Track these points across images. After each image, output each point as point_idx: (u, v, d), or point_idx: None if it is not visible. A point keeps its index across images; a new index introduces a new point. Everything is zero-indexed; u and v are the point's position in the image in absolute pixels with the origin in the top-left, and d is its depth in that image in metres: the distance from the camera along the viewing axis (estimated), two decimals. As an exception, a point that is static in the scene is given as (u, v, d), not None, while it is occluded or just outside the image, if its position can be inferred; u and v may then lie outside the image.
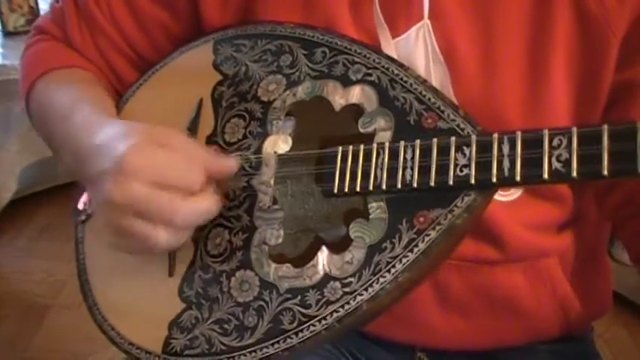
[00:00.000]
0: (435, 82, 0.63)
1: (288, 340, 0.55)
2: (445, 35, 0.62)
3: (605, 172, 0.46)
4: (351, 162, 0.57)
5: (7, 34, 1.99)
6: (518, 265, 0.70)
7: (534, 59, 0.61)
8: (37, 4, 2.06)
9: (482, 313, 0.72)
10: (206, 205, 0.56)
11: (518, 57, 0.61)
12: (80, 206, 0.73)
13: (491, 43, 0.61)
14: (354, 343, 0.79)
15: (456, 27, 0.62)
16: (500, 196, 0.66)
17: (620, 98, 0.63)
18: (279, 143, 0.62)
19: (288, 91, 0.64)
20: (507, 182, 0.50)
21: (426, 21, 0.62)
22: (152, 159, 0.54)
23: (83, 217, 0.72)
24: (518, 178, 0.49)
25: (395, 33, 0.64)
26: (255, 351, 0.56)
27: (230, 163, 0.60)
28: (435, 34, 0.62)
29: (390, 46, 0.64)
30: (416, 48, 0.63)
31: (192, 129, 0.68)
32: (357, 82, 0.60)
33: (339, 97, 0.61)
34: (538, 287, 0.71)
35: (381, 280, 0.53)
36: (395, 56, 0.63)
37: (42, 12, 2.01)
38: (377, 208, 0.55)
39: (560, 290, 0.72)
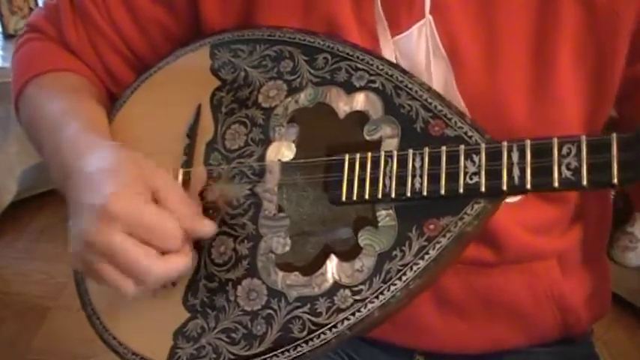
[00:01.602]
0: (438, 79, 0.63)
1: (299, 349, 0.55)
2: (448, 31, 0.62)
3: (615, 180, 0.47)
4: (359, 170, 0.57)
5: (8, 36, 1.98)
6: (517, 267, 0.70)
7: (540, 52, 0.61)
8: (37, 6, 2.06)
9: (480, 315, 0.72)
10: (180, 265, 0.57)
11: (523, 51, 0.61)
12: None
13: (495, 37, 0.61)
14: (352, 345, 0.79)
15: (459, 22, 0.62)
16: None
17: (633, 92, 0.63)
18: (282, 150, 0.62)
19: (289, 98, 0.63)
20: (518, 190, 0.51)
21: (428, 17, 0.62)
22: (136, 211, 0.54)
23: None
24: (528, 187, 0.50)
25: (397, 30, 0.63)
26: None
27: (208, 229, 0.60)
28: (438, 30, 0.62)
29: (389, 44, 0.63)
30: (418, 45, 0.63)
31: (191, 135, 0.67)
32: (361, 88, 0.60)
33: (343, 104, 0.60)
34: (536, 289, 0.71)
35: (392, 287, 0.53)
36: (396, 53, 0.63)
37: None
38: (386, 216, 0.55)
39: (558, 292, 0.72)
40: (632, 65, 0.62)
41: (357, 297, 0.54)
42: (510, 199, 0.66)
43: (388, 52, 0.63)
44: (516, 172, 0.50)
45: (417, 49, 0.63)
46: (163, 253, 0.56)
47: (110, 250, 0.53)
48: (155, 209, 0.55)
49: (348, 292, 0.55)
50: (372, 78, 0.60)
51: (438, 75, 0.63)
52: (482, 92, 0.62)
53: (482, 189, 0.51)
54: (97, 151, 0.60)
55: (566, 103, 0.62)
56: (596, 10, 0.59)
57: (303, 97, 0.62)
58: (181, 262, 0.56)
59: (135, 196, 0.55)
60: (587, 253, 0.74)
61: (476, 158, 0.52)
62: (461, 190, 0.52)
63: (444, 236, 0.53)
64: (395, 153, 0.56)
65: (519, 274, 0.70)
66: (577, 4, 0.59)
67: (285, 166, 0.61)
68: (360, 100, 0.60)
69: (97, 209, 0.54)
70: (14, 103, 0.76)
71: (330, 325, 0.54)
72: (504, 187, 0.51)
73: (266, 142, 0.63)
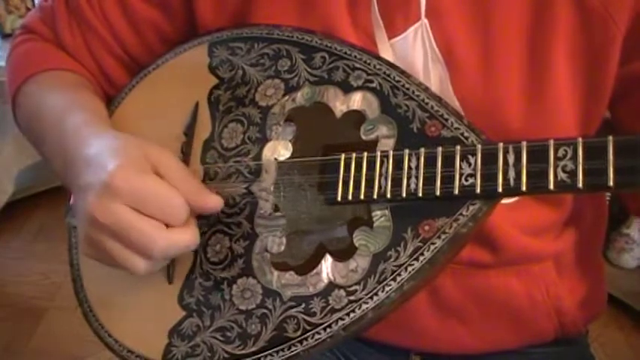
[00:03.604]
0: (434, 82, 0.63)
1: (293, 348, 0.55)
2: (443, 34, 0.62)
3: (611, 184, 0.47)
4: (355, 170, 0.57)
5: (4, 36, 1.97)
6: (513, 268, 0.70)
7: (535, 55, 0.61)
8: (34, 5, 2.05)
9: (476, 316, 0.72)
10: (186, 239, 0.56)
11: (519, 53, 0.61)
12: (71, 204, 0.72)
13: (491, 40, 0.61)
14: (347, 345, 0.79)
15: (455, 25, 0.62)
16: None
17: (627, 92, 0.64)
18: (279, 149, 0.62)
19: (287, 97, 0.63)
20: (513, 192, 0.51)
21: (424, 20, 0.62)
22: (140, 184, 0.54)
23: (76, 222, 0.71)
24: (524, 189, 0.50)
25: (393, 33, 0.63)
26: (259, 359, 0.56)
27: (214, 203, 0.59)
28: (434, 33, 0.62)
29: (386, 47, 0.63)
30: (414, 48, 0.63)
31: (189, 133, 0.67)
32: (358, 88, 0.60)
33: (340, 104, 0.60)
34: (532, 291, 0.71)
35: (387, 288, 0.53)
36: (392, 56, 0.63)
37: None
38: (381, 217, 0.55)
39: (554, 293, 0.72)
40: (626, 65, 0.62)
41: (352, 297, 0.54)
42: (505, 200, 0.66)
43: (386, 54, 0.63)
44: (512, 174, 0.50)
45: (413, 51, 0.63)
46: (169, 227, 0.55)
47: (115, 224, 0.52)
48: (158, 182, 0.55)
49: (342, 292, 0.54)
50: (370, 77, 0.60)
51: (434, 77, 0.63)
52: (477, 94, 0.62)
53: (478, 190, 0.51)
54: (100, 138, 0.60)
55: (562, 104, 0.62)
56: (590, 13, 0.59)
57: (300, 96, 0.62)
58: (187, 236, 0.56)
59: (137, 171, 0.54)
60: (582, 254, 0.75)
61: (472, 159, 0.52)
62: (456, 192, 0.52)
63: (439, 237, 0.52)
64: (391, 153, 0.55)
65: (516, 276, 0.70)
66: (571, 7, 0.60)
67: (281, 165, 0.61)
68: (356, 100, 0.60)
69: (100, 186, 0.53)
70: (11, 101, 0.76)
71: (324, 325, 0.54)
72: (500, 189, 0.51)
73: (263, 140, 0.63)
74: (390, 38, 0.63)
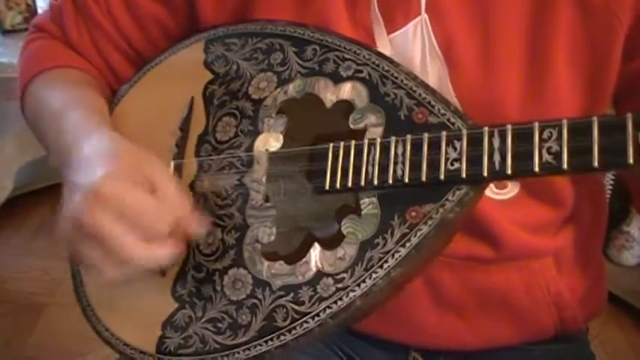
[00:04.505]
0: (433, 77, 0.63)
1: (282, 337, 0.55)
2: (443, 29, 0.62)
3: (596, 164, 0.46)
4: (343, 158, 0.57)
5: (5, 32, 1.97)
6: (513, 264, 0.70)
7: (535, 52, 0.61)
8: (34, 1, 2.05)
9: (476, 312, 0.72)
10: (162, 255, 0.55)
11: (519, 49, 0.61)
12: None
13: (490, 36, 0.61)
14: (347, 342, 0.79)
15: (454, 21, 0.62)
16: (496, 194, 0.65)
17: (634, 88, 0.63)
18: (270, 141, 0.62)
19: (279, 89, 0.64)
20: (498, 175, 0.50)
21: (424, 15, 0.62)
22: (127, 193, 0.53)
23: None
24: (509, 172, 0.49)
25: (392, 28, 0.63)
26: (249, 348, 0.56)
27: (198, 229, 0.57)
28: (433, 28, 0.62)
29: (385, 42, 0.64)
30: (413, 43, 0.63)
31: (184, 128, 0.68)
32: (348, 78, 0.60)
33: (330, 94, 0.61)
34: (532, 287, 0.71)
35: (374, 275, 0.53)
36: (391, 51, 0.63)
37: (39, 10, 1.99)
38: (369, 204, 0.55)
39: (554, 290, 0.71)
40: (629, 63, 0.62)
41: (339, 285, 0.54)
42: (502, 196, 0.66)
43: (385, 50, 0.63)
44: (497, 157, 0.50)
45: (412, 47, 0.63)
46: (150, 240, 0.54)
47: (96, 231, 0.52)
48: (145, 195, 0.54)
49: (330, 280, 0.54)
50: (359, 68, 0.60)
51: (432, 73, 0.63)
52: (477, 91, 0.62)
53: (464, 175, 0.51)
54: (97, 137, 0.60)
55: (562, 102, 0.62)
56: (592, 10, 0.59)
57: (292, 88, 0.63)
58: (164, 252, 0.55)
59: (127, 181, 0.54)
60: (582, 251, 0.74)
61: (457, 144, 0.52)
62: (442, 177, 0.52)
63: (425, 223, 0.52)
64: (378, 140, 0.56)
65: (516, 272, 0.70)
66: (572, 5, 0.60)
67: (272, 157, 0.61)
68: (346, 90, 0.60)
69: (88, 189, 0.53)
70: (20, 100, 0.77)
71: (312, 314, 0.54)
72: (485, 173, 0.50)
73: (255, 133, 0.63)
74: (389, 33, 0.64)
